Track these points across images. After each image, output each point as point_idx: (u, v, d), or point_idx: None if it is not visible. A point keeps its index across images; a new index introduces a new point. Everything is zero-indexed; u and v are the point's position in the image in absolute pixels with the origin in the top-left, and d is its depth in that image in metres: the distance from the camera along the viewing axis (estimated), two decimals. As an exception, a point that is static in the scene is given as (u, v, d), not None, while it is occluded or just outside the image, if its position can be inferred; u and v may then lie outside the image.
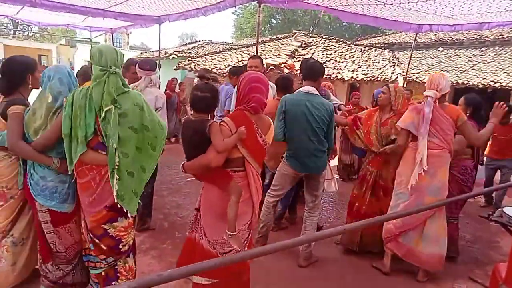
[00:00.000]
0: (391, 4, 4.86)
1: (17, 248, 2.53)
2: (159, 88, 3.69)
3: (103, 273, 2.39)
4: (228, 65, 11.31)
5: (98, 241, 2.29)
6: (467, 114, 3.83)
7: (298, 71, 10.10)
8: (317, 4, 5.30)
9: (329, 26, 30.24)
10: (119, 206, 2.22)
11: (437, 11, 4.98)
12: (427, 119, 3.11)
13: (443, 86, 3.17)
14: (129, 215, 2.30)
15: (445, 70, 12.13)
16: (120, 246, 2.35)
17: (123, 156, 2.14)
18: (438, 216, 3.25)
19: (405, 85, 7.71)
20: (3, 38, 23.78)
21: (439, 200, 3.13)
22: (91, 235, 2.30)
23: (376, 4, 4.98)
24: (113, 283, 2.39)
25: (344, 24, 30.41)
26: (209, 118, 2.36)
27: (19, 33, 28.91)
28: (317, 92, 3.33)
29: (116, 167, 2.13)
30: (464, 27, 5.93)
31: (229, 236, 2.23)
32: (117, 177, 2.14)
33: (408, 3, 4.68)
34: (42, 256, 2.46)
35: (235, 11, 33.18)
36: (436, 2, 4.55)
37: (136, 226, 3.80)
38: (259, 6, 5.11)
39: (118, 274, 2.41)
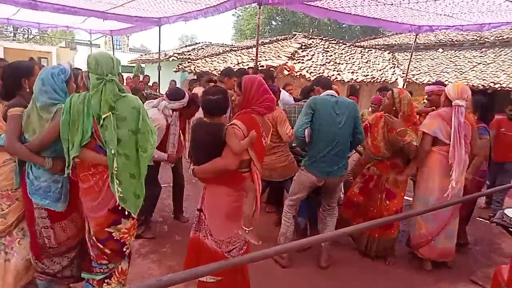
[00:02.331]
0: (391, 4, 4.85)
1: (27, 241, 2.55)
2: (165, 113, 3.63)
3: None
4: (228, 67, 11.30)
5: (101, 246, 2.31)
6: (476, 117, 3.88)
7: (298, 73, 10.10)
8: (317, 6, 5.31)
9: (329, 28, 30.25)
10: (120, 208, 2.26)
11: (437, 10, 4.98)
12: (462, 128, 3.22)
13: (470, 96, 3.35)
14: (132, 215, 2.34)
15: (445, 72, 12.14)
16: (124, 249, 2.38)
17: (126, 158, 2.20)
18: (457, 215, 3.50)
19: (405, 87, 7.70)
20: (3, 41, 23.77)
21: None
22: (94, 240, 2.33)
23: (377, 5, 4.98)
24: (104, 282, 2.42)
25: (344, 25, 30.43)
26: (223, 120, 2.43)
27: (19, 36, 28.92)
28: (336, 94, 3.34)
29: (115, 171, 2.17)
30: (464, 28, 5.94)
31: (247, 231, 2.31)
32: (117, 181, 2.18)
33: (409, 3, 4.67)
34: (33, 253, 2.48)
35: (235, 13, 33.27)
36: (436, 3, 4.55)
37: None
38: (259, 8, 5.11)
39: (114, 278, 2.43)
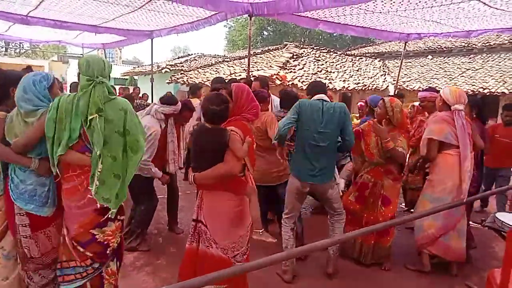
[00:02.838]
0: (380, 13, 4.93)
1: (10, 262, 2.47)
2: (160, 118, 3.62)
3: (88, 285, 2.32)
4: (218, 77, 11.35)
5: (82, 249, 2.26)
6: (474, 116, 3.96)
7: (290, 82, 10.18)
8: (307, 17, 5.39)
9: (320, 37, 30.60)
10: (107, 209, 2.24)
11: (425, 16, 5.07)
12: (466, 129, 3.35)
13: (467, 99, 3.48)
14: (119, 217, 2.34)
15: (435, 78, 12.31)
16: (108, 251, 2.33)
17: (112, 159, 2.21)
18: (464, 214, 3.57)
19: (395, 93, 7.79)
20: (-5, 56, 23.74)
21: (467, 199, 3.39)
22: (75, 243, 2.26)
23: (365, 13, 5.06)
24: None
25: (334, 35, 30.81)
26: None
27: (10, 50, 28.89)
28: (327, 99, 3.30)
29: (99, 172, 2.18)
30: (452, 35, 6.05)
31: (260, 233, 2.44)
32: (97, 183, 2.19)
33: (396, 11, 4.75)
34: (21, 265, 2.42)
35: (227, 24, 33.53)
36: (424, 10, 4.64)
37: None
38: (250, 19, 5.17)
39: (104, 280, 2.37)
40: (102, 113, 2.15)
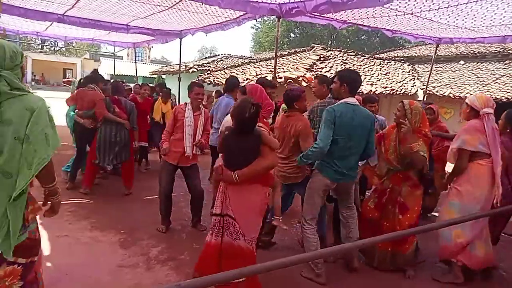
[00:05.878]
0: (411, 14, 4.78)
1: None
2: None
3: None
4: (247, 79, 11.43)
5: None
6: (507, 130, 3.82)
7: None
8: (336, 19, 5.34)
9: (348, 40, 30.28)
10: None
11: (458, 22, 4.88)
12: (496, 134, 3.31)
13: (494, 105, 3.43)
14: (9, 259, 1.76)
15: (467, 84, 11.93)
16: None
17: (4, 176, 1.69)
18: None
19: (425, 99, 7.60)
20: (31, 53, 24.80)
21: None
22: None
23: (396, 15, 4.94)
24: None
25: (362, 37, 30.43)
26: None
27: (46, 48, 30.12)
28: (358, 103, 3.31)
29: None
30: (486, 40, 5.84)
31: (280, 219, 2.67)
32: None
33: (429, 11, 4.56)
34: None
35: (254, 25, 33.81)
36: (458, 9, 4.36)
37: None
38: (278, 21, 5.18)
39: None
40: None
